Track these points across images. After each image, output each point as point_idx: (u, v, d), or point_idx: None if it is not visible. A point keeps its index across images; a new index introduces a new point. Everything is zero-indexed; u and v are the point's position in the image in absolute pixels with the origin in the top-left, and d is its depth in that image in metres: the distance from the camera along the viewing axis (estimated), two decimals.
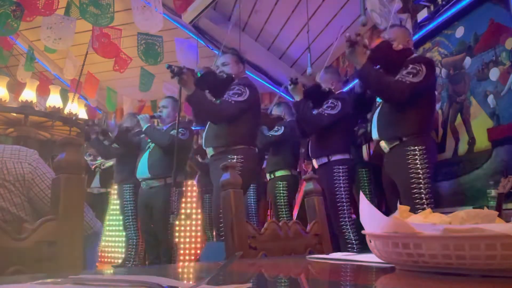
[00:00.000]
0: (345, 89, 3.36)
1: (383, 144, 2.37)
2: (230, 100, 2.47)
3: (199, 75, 2.47)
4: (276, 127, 3.48)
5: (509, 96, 2.50)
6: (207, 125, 2.69)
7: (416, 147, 2.19)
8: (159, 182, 3.22)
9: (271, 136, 3.46)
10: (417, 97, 2.20)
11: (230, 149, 2.51)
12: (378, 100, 2.46)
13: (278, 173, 3.48)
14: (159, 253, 3.30)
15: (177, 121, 2.79)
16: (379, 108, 2.40)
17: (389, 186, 2.40)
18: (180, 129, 2.90)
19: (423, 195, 2.14)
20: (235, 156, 2.47)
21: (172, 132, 3.18)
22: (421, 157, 2.17)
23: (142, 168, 3.28)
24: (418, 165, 2.16)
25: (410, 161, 2.18)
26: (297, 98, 2.76)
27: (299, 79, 2.82)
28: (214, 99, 2.63)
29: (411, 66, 2.20)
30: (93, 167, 4.29)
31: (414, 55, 2.41)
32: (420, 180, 2.15)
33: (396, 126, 2.26)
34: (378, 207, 3.18)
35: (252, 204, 3.88)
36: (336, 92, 2.93)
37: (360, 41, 2.16)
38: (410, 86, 2.15)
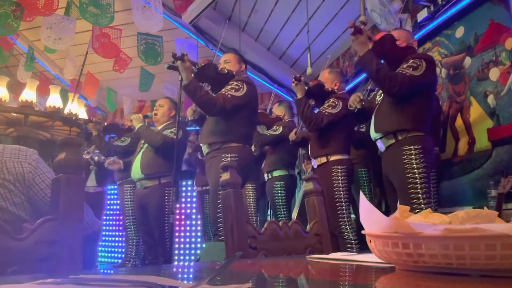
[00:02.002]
0: (347, 88, 3.36)
1: (379, 143, 2.37)
2: (226, 94, 2.49)
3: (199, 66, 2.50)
4: (275, 126, 3.48)
5: (509, 96, 2.50)
6: (204, 122, 2.70)
7: (411, 147, 2.17)
8: (153, 182, 3.23)
9: (269, 135, 3.46)
10: (416, 92, 2.20)
11: (224, 147, 2.51)
12: (378, 98, 2.46)
13: (276, 173, 3.48)
14: (157, 253, 3.31)
15: (177, 121, 2.79)
16: (377, 106, 2.40)
17: (389, 186, 2.40)
18: (173, 129, 2.90)
19: (420, 195, 2.13)
20: (229, 155, 2.47)
21: (165, 132, 3.19)
22: (417, 157, 2.16)
23: (136, 169, 3.29)
24: (414, 165, 2.15)
25: (406, 161, 2.17)
26: (299, 95, 2.76)
27: (303, 77, 2.83)
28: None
29: (411, 60, 2.21)
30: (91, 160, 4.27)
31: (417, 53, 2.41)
32: (417, 180, 2.14)
33: (391, 120, 2.26)
34: (378, 207, 3.18)
35: (252, 204, 3.88)
36: (339, 93, 2.94)
37: (364, 30, 2.15)
38: (410, 78, 2.14)
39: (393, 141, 2.26)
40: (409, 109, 2.22)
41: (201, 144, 2.69)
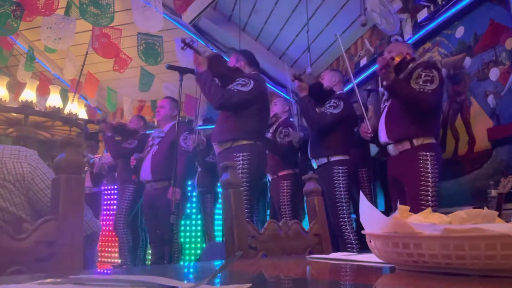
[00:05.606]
0: (346, 88, 3.36)
1: (390, 148, 2.39)
2: (233, 89, 2.50)
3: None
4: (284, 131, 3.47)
5: (509, 96, 2.49)
6: (216, 122, 2.71)
7: (427, 153, 2.25)
8: (163, 184, 3.25)
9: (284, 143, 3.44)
10: (440, 103, 2.31)
11: (235, 146, 2.51)
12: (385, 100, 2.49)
13: (282, 173, 3.47)
14: (163, 253, 3.32)
15: (177, 122, 2.79)
16: (385, 110, 2.41)
17: (395, 188, 2.43)
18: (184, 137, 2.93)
19: (429, 197, 2.21)
20: (241, 154, 2.47)
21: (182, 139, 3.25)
22: (432, 163, 2.24)
23: (145, 171, 3.32)
24: (428, 170, 2.23)
25: (421, 165, 2.24)
26: (302, 94, 2.77)
27: (302, 76, 2.83)
28: None
29: (424, 74, 2.25)
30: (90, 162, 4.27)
31: (417, 61, 2.45)
32: (429, 183, 2.22)
33: (405, 127, 2.31)
34: (378, 207, 3.18)
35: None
36: (338, 92, 2.94)
37: (392, 64, 2.24)
38: (432, 93, 2.24)
39: (408, 146, 2.30)
40: (422, 115, 2.28)
41: (213, 144, 2.69)
